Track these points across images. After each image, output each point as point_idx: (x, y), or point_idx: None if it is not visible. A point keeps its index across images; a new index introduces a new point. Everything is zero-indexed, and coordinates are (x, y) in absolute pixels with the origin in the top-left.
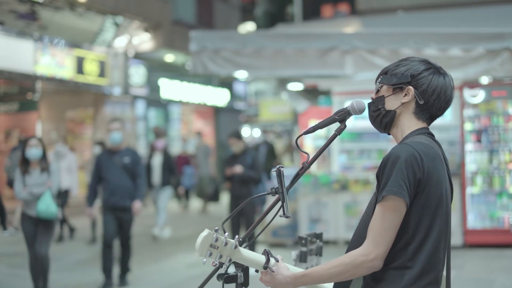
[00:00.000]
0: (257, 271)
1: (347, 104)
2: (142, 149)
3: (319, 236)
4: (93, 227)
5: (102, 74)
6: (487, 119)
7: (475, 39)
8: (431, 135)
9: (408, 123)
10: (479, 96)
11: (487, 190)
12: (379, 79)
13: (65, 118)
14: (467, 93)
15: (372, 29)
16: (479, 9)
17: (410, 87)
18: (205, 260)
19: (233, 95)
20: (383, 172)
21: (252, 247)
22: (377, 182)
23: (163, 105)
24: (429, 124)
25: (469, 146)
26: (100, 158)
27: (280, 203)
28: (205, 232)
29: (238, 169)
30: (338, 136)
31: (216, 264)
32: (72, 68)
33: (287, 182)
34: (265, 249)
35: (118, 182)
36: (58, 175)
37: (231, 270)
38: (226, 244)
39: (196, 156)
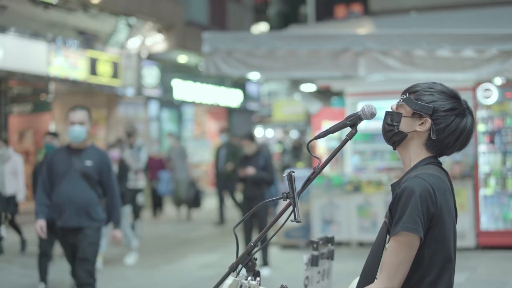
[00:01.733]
0: None
1: (359, 107)
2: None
3: (330, 240)
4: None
5: (115, 75)
6: (500, 120)
7: (488, 40)
8: (440, 164)
9: (417, 151)
10: (492, 97)
11: (500, 192)
12: (405, 96)
13: None
14: (480, 94)
15: (384, 30)
16: (492, 9)
17: (429, 119)
18: None
19: (246, 96)
20: (397, 205)
21: (265, 250)
22: (389, 214)
23: (176, 106)
24: (438, 156)
25: (482, 148)
26: (52, 157)
27: (291, 208)
28: (230, 279)
29: (250, 170)
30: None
31: None
32: (85, 69)
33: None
34: (282, 285)
35: (71, 193)
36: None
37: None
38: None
39: (171, 159)
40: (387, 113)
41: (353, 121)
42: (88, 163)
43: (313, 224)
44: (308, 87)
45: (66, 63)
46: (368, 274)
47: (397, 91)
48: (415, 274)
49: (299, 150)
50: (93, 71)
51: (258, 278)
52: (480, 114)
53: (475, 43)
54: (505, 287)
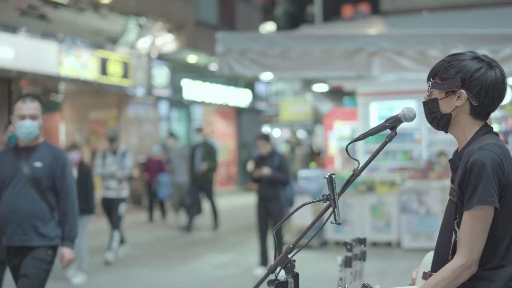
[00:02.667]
0: None
1: (371, 106)
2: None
3: (362, 241)
4: None
5: (125, 75)
6: None
7: (503, 40)
8: (494, 131)
9: (468, 124)
10: (506, 97)
11: None
12: (430, 82)
13: (89, 119)
14: None
15: (398, 30)
16: (505, 9)
17: (463, 91)
18: None
19: (255, 96)
20: (469, 180)
21: (280, 247)
22: (459, 191)
23: (185, 106)
24: (486, 119)
25: None
26: None
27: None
28: None
29: (266, 171)
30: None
31: None
32: (95, 69)
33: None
34: (364, 284)
35: (15, 203)
36: None
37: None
38: None
39: (171, 161)
40: (424, 103)
41: (393, 123)
42: (38, 164)
43: (326, 224)
44: (320, 87)
45: (77, 63)
46: (441, 254)
47: (409, 91)
48: (489, 243)
49: (293, 150)
50: (103, 71)
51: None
52: (493, 114)
53: (489, 43)
54: None
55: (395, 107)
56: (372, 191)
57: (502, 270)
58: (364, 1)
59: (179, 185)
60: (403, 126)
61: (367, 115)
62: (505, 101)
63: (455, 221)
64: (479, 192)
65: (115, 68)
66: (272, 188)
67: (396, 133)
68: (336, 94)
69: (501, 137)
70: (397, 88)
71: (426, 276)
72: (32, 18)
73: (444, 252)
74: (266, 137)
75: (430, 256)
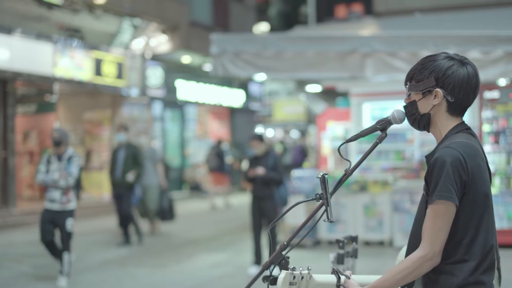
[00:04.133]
0: None
1: (364, 107)
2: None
3: (354, 238)
4: None
5: (119, 75)
6: (505, 120)
7: (494, 41)
8: (468, 130)
9: (444, 122)
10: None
11: (505, 191)
12: (407, 85)
13: (83, 119)
14: (486, 95)
15: (391, 32)
16: (496, 11)
17: (438, 89)
18: None
19: (249, 96)
20: (431, 176)
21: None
22: (425, 184)
23: (179, 106)
24: (463, 115)
25: (487, 148)
26: None
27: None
28: (283, 273)
29: (260, 170)
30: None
31: None
32: (90, 70)
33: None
34: (334, 268)
35: None
36: None
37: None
38: (302, 278)
39: None
40: (404, 107)
41: (383, 125)
42: None
43: (319, 223)
44: (314, 88)
45: (72, 64)
46: (413, 246)
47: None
48: (453, 237)
49: (286, 150)
50: (98, 71)
51: (310, 267)
52: (485, 114)
53: (481, 44)
54: (510, 286)
55: (388, 107)
56: (365, 191)
57: (464, 265)
58: (357, 1)
59: (146, 189)
60: (396, 126)
61: (360, 115)
62: (496, 102)
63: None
64: (438, 188)
65: (109, 69)
66: (266, 187)
67: (386, 135)
68: (329, 94)
69: (492, 138)
70: (390, 89)
71: None
72: (29, 19)
73: (416, 244)
74: (260, 137)
75: (404, 250)
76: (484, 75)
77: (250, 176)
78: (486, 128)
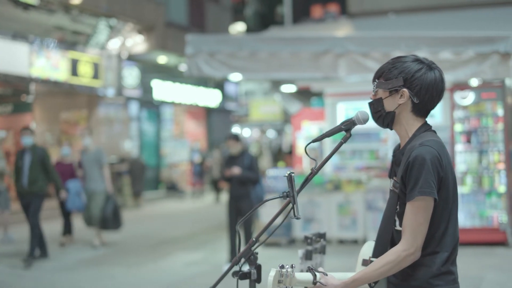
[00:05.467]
0: None
1: (339, 107)
2: (135, 151)
3: (322, 235)
4: None
5: (96, 76)
6: (476, 120)
7: (465, 42)
8: (432, 129)
9: (410, 121)
10: (469, 98)
11: (477, 190)
12: (375, 82)
13: (59, 119)
14: (457, 95)
15: (364, 33)
16: (470, 11)
17: (405, 89)
18: None
19: (225, 96)
20: (411, 174)
21: (247, 240)
22: (401, 183)
23: (155, 106)
24: (426, 116)
25: (459, 147)
26: None
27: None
28: (273, 272)
29: (236, 170)
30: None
31: None
32: (66, 70)
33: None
34: (309, 267)
35: None
36: None
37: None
38: (287, 276)
39: (83, 165)
40: (370, 104)
41: (348, 126)
42: None
43: (294, 222)
44: (288, 88)
45: (48, 64)
46: (382, 242)
47: None
48: (428, 231)
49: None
50: (74, 72)
51: (294, 265)
52: (457, 114)
53: (452, 45)
54: (482, 283)
55: (362, 107)
56: (339, 190)
57: (436, 256)
58: (333, 1)
59: (90, 195)
60: (369, 126)
61: (334, 115)
62: (468, 102)
63: (396, 211)
64: (420, 184)
65: (85, 69)
66: (243, 187)
67: (350, 135)
68: (304, 94)
69: (464, 137)
70: (364, 89)
71: (366, 262)
72: (4, 20)
73: (384, 239)
74: (236, 137)
75: (367, 245)
76: (455, 76)
77: (226, 175)
78: (458, 127)
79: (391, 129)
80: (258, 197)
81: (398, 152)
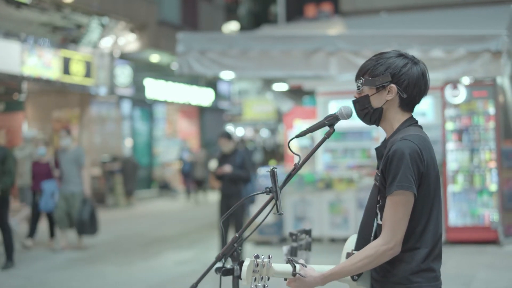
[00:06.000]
0: (285, 279)
1: (330, 105)
2: (127, 151)
3: (308, 232)
4: None
5: (88, 74)
6: (468, 118)
7: (457, 40)
8: (418, 124)
9: (396, 116)
10: (460, 96)
11: (468, 188)
12: (361, 80)
13: (51, 118)
14: (449, 93)
15: (355, 31)
16: (461, 10)
17: (393, 85)
18: (252, 286)
19: (218, 95)
20: (390, 167)
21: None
22: (381, 176)
23: (148, 105)
24: (412, 111)
25: (451, 145)
26: None
27: (272, 202)
28: (247, 261)
29: (227, 168)
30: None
31: (259, 287)
32: (58, 69)
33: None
34: (289, 258)
35: None
36: None
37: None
38: (263, 266)
39: (60, 165)
40: (355, 101)
41: (331, 121)
42: None
43: (285, 221)
44: (280, 86)
45: (40, 63)
46: (363, 235)
47: None
48: (408, 226)
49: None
50: (66, 70)
51: (270, 256)
52: (448, 112)
53: (444, 43)
54: (473, 281)
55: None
56: (330, 188)
57: (416, 252)
58: (327, 1)
59: (67, 197)
60: (362, 124)
61: (326, 113)
62: (459, 100)
63: (377, 205)
64: (398, 178)
65: (77, 68)
66: (234, 185)
67: (334, 130)
68: (296, 93)
69: (456, 135)
70: (355, 87)
71: (349, 255)
72: None
73: (366, 233)
74: (228, 136)
75: (351, 240)
76: (447, 74)
77: (217, 174)
78: (449, 126)
79: (378, 126)
80: (249, 195)
81: (381, 145)
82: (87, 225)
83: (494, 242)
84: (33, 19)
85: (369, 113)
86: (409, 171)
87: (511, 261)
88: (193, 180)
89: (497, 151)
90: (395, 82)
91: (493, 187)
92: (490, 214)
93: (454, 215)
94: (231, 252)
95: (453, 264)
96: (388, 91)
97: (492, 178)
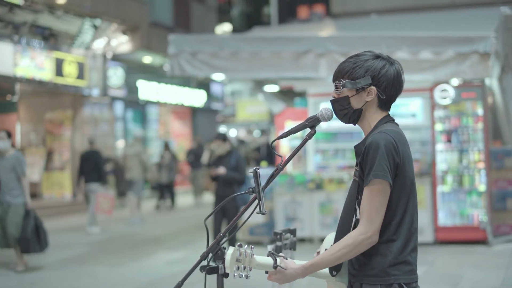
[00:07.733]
0: (266, 272)
1: (321, 106)
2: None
3: (293, 231)
4: None
5: (80, 75)
6: (457, 119)
7: (445, 42)
8: (394, 121)
9: (374, 116)
10: (449, 97)
11: (457, 189)
12: (340, 82)
13: (44, 119)
14: (438, 94)
15: (345, 33)
16: (450, 12)
17: (372, 87)
18: (235, 274)
19: (210, 96)
20: (367, 158)
21: (232, 243)
22: (360, 170)
23: (141, 106)
24: (389, 110)
25: (440, 146)
26: None
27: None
28: (231, 250)
29: (221, 170)
30: (313, 137)
31: (242, 276)
32: (51, 70)
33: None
34: (270, 251)
35: None
36: None
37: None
38: (246, 256)
39: None
40: (333, 101)
41: (312, 122)
42: None
43: (276, 221)
44: (271, 88)
45: (32, 64)
46: (343, 231)
47: None
48: (385, 218)
49: (200, 151)
50: (59, 72)
51: (252, 246)
52: (437, 114)
53: (432, 45)
54: (461, 280)
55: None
56: (321, 189)
57: (393, 244)
58: (319, 2)
59: (7, 208)
60: (352, 125)
61: None
62: (448, 101)
63: (356, 200)
64: (374, 168)
65: (70, 69)
66: (228, 187)
67: (315, 131)
68: (287, 94)
69: (445, 136)
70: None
71: None
72: None
73: (345, 229)
74: (223, 137)
75: (330, 237)
76: (435, 75)
77: (212, 175)
78: (438, 127)
79: (355, 125)
80: (243, 197)
81: (360, 143)
82: (32, 243)
83: (483, 242)
84: (26, 21)
85: (348, 113)
86: (384, 161)
87: (500, 261)
88: (158, 184)
89: (486, 152)
90: (375, 84)
91: (482, 187)
92: (479, 214)
93: (444, 215)
94: (216, 251)
95: (442, 263)
96: (368, 93)
97: (481, 178)
